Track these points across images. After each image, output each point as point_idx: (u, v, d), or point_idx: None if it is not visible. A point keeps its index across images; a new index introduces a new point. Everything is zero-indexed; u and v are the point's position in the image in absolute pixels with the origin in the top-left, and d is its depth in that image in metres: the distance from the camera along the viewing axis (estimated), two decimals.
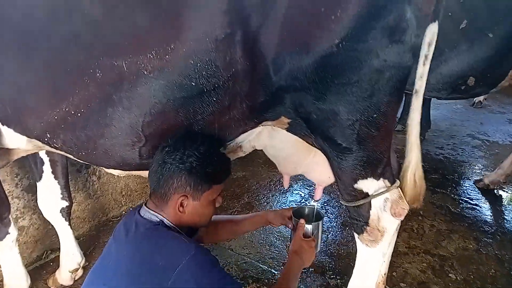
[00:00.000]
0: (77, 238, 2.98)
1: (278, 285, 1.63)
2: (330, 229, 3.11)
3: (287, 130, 1.76)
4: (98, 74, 1.49)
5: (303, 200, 3.60)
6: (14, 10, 1.54)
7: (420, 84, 1.73)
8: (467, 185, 3.85)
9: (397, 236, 2.90)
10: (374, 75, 1.49)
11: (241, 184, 3.91)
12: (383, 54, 1.45)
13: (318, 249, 1.89)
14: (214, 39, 1.41)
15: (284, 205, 3.54)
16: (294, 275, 1.66)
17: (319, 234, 1.86)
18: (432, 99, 5.17)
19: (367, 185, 1.76)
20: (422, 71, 1.70)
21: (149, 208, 1.56)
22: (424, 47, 1.63)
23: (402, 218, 1.86)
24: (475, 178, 3.91)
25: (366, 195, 1.78)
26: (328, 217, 3.28)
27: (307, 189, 3.73)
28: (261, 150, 2.00)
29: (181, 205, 1.52)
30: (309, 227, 1.81)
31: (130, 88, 1.49)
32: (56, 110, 1.62)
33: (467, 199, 3.56)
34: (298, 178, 3.86)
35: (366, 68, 1.47)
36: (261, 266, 2.69)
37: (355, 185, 1.76)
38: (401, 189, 1.87)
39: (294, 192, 3.73)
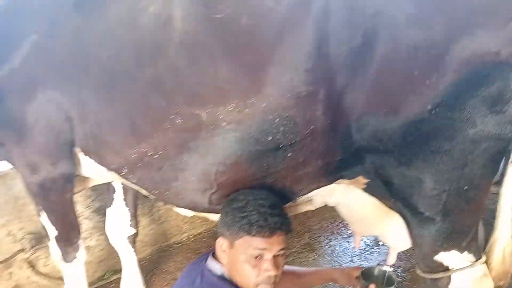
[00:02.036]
0: (138, 261, 3.05)
1: None
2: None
3: (363, 190, 1.66)
4: (178, 121, 1.51)
5: (368, 247, 3.40)
6: (102, 50, 1.61)
7: None
8: None
9: None
10: (469, 145, 1.35)
11: (302, 221, 3.79)
12: (481, 124, 1.32)
13: None
14: (295, 96, 1.38)
15: (346, 251, 3.38)
16: None
17: None
18: None
19: (449, 258, 1.60)
20: None
21: (214, 258, 1.53)
22: None
23: None
24: None
25: (447, 269, 1.62)
26: (394, 270, 3.07)
27: (373, 236, 3.53)
28: None
29: (221, 248, 1.47)
30: None
31: (207, 137, 1.49)
32: (135, 149, 1.67)
33: None
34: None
35: (460, 137, 1.34)
36: None
37: (435, 257, 1.60)
38: (487, 263, 1.68)
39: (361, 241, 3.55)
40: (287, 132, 1.42)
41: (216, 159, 1.52)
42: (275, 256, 1.44)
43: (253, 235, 1.40)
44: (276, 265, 1.44)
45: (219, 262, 1.51)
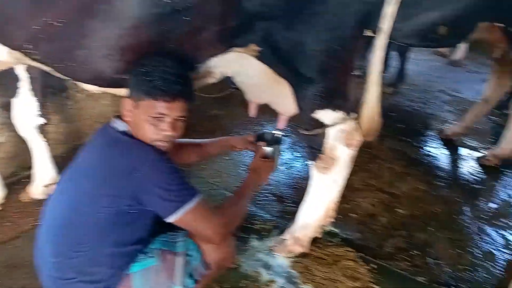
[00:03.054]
0: (51, 158, 3.09)
1: (235, 194, 1.78)
2: (294, 166, 3.31)
3: (256, 58, 1.86)
4: None
5: None
6: None
7: (385, 24, 1.83)
8: (430, 135, 4.07)
9: (355, 175, 3.14)
10: (339, 8, 1.59)
11: (216, 121, 4.04)
12: None
13: (276, 168, 2.03)
14: None
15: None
16: (250, 187, 1.82)
17: (277, 156, 2.01)
18: (410, 55, 5.31)
19: (324, 115, 1.90)
20: (389, 10, 1.79)
21: (119, 119, 1.66)
22: None
23: (355, 149, 2.03)
24: (439, 130, 4.13)
25: (323, 125, 1.93)
26: (294, 156, 3.47)
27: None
28: (239, 91, 2.12)
29: (126, 106, 1.60)
30: (268, 149, 1.95)
31: (106, 0, 1.55)
32: (37, 19, 1.66)
33: (426, 147, 3.80)
34: (271, 120, 4.00)
35: (332, 0, 1.57)
36: (226, 193, 2.89)
37: (314, 115, 1.90)
38: (358, 122, 2.02)
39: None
40: None
41: (116, 23, 1.59)
42: (174, 120, 1.59)
43: (156, 99, 1.53)
44: (174, 128, 1.60)
45: (122, 121, 1.65)
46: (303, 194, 2.28)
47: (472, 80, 5.97)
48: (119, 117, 1.68)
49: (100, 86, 1.93)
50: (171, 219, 1.53)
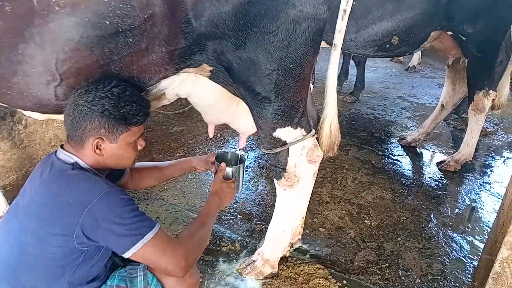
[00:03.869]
0: (2, 187, 2.90)
1: (196, 220, 1.67)
2: (260, 182, 3.24)
3: (209, 78, 1.79)
4: (7, 8, 1.42)
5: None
6: None
7: (338, 38, 1.82)
8: (392, 142, 4.12)
9: (322, 187, 3.11)
10: (291, 26, 1.54)
11: (178, 138, 3.93)
12: (300, 5, 1.51)
13: (240, 190, 1.98)
14: None
15: None
16: (212, 212, 1.73)
17: (240, 176, 1.93)
18: (368, 63, 5.41)
19: (285, 133, 1.85)
20: (341, 25, 1.78)
21: (65, 150, 1.54)
22: (343, 2, 1.71)
23: (317, 165, 1.99)
24: (400, 136, 4.19)
25: (284, 143, 1.88)
26: (260, 170, 3.41)
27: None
28: None
29: (98, 147, 1.48)
30: (229, 170, 1.88)
31: (41, 24, 1.43)
32: None
33: (389, 155, 3.83)
34: (235, 134, 3.93)
35: (283, 18, 1.52)
36: (191, 214, 2.78)
37: (274, 134, 1.85)
38: (318, 139, 1.99)
39: (230, 147, 3.81)
40: (124, 16, 1.44)
41: (54, 47, 1.47)
42: None
43: (137, 125, 1.51)
44: None
45: (69, 152, 1.52)
46: (272, 211, 2.21)
47: (428, 85, 6.15)
48: (63, 147, 1.56)
49: (43, 113, 1.80)
50: (128, 255, 1.41)
